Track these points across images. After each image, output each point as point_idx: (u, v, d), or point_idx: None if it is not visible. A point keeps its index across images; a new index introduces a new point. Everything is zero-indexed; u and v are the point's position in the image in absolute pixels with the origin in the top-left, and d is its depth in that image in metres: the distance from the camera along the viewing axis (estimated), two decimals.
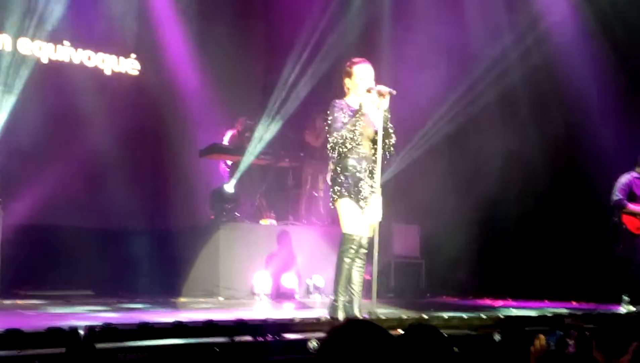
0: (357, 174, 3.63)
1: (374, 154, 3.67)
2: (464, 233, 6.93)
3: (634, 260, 5.28)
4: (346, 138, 3.58)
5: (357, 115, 3.60)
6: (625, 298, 5.19)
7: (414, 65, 6.85)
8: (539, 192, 6.98)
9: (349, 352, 1.34)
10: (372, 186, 3.65)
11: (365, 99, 3.68)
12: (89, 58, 7.05)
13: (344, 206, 3.63)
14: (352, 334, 1.36)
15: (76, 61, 6.92)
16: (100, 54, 7.10)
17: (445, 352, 1.59)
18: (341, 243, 3.64)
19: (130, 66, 7.24)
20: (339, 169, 3.67)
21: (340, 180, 3.64)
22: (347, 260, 3.60)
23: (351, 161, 3.64)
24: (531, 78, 6.94)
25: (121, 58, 7.21)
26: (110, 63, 7.14)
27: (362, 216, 3.63)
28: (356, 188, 3.62)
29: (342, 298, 3.63)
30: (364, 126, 3.65)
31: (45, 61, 6.72)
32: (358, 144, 3.63)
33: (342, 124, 3.59)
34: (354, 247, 3.60)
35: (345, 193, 3.62)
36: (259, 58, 8.13)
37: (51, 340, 2.39)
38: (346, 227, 3.62)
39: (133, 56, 7.23)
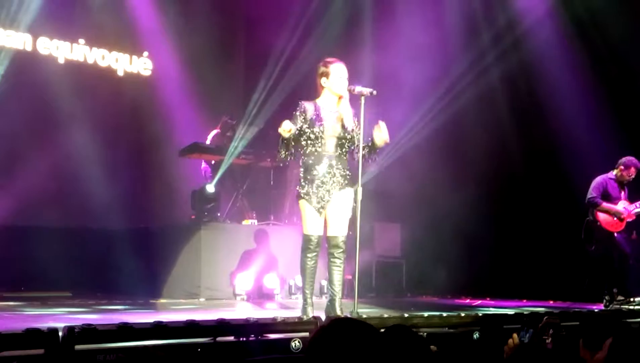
0: (317, 174, 3.67)
1: (340, 152, 3.71)
2: (444, 233, 7.01)
3: (615, 257, 5.37)
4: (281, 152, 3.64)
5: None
6: (607, 297, 5.27)
7: (394, 64, 6.91)
8: (518, 193, 7.09)
9: (337, 349, 1.35)
10: (339, 184, 3.68)
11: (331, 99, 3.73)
12: (103, 57, 7.02)
13: (302, 207, 3.72)
14: (340, 332, 1.38)
15: (87, 60, 6.85)
16: (115, 53, 7.05)
17: (423, 352, 1.61)
18: (302, 243, 3.73)
19: (142, 65, 7.15)
20: (301, 169, 3.74)
21: (301, 180, 3.71)
22: (306, 260, 3.69)
23: (311, 161, 3.68)
24: (509, 80, 7.06)
25: (134, 57, 7.12)
26: (122, 63, 7.08)
27: (320, 217, 3.69)
28: (315, 189, 3.67)
29: (309, 297, 3.68)
30: (330, 125, 3.69)
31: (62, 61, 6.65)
32: (317, 144, 3.66)
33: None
34: (311, 247, 3.68)
35: (304, 194, 3.68)
36: (240, 56, 8.11)
37: (30, 341, 2.36)
38: (304, 228, 3.72)
39: (145, 54, 7.16)
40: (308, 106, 3.72)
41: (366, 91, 3.71)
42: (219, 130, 6.91)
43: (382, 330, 1.65)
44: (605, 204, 5.41)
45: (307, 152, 3.69)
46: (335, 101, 3.75)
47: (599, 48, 6.49)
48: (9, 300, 5.25)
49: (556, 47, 6.75)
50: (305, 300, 3.68)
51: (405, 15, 7.23)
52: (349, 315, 3.56)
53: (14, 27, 6.46)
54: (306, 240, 3.69)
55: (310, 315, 3.54)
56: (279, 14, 7.22)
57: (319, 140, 3.66)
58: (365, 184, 3.81)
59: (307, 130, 3.67)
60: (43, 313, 4.36)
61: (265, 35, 7.31)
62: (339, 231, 3.70)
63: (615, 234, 5.41)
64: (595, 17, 6.44)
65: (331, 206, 3.71)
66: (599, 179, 5.49)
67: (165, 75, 7.23)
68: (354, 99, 3.75)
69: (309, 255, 3.67)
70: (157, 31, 7.23)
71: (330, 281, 3.71)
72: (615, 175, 5.47)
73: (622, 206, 5.43)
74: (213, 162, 6.73)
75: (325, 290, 6.03)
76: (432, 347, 3.16)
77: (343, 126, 3.70)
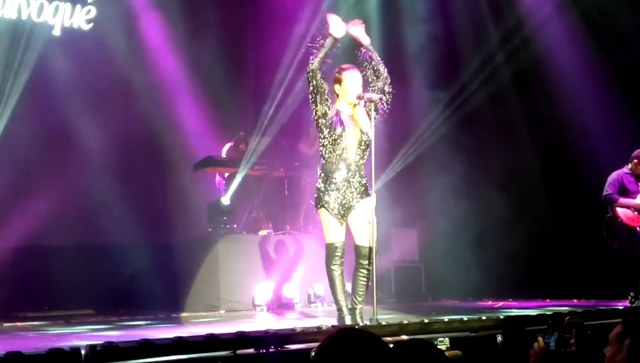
0: (336, 181, 3.65)
1: (360, 160, 3.70)
2: (461, 235, 6.95)
3: (637, 252, 5.28)
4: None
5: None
6: (632, 294, 5.18)
7: (405, 68, 6.90)
8: (537, 191, 7.01)
9: (343, 360, 1.34)
10: (358, 192, 3.67)
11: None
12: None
13: (323, 215, 3.67)
14: (346, 343, 1.37)
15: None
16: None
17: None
18: (326, 253, 3.68)
19: (84, 17, 6.63)
20: (321, 177, 3.70)
21: (320, 188, 3.67)
22: (334, 268, 3.64)
23: (332, 168, 3.66)
24: (520, 79, 7.00)
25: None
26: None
27: (342, 226, 3.66)
28: (335, 197, 3.64)
29: (344, 306, 3.65)
30: (350, 131, 3.68)
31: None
32: (338, 149, 3.64)
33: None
34: (338, 254, 3.64)
35: (324, 203, 3.64)
36: (250, 67, 8.15)
37: (53, 361, 2.39)
38: (327, 237, 3.67)
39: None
40: (331, 107, 3.71)
41: (375, 97, 3.71)
42: (232, 143, 6.96)
43: (400, 342, 1.63)
44: (623, 200, 5.33)
45: (328, 158, 3.66)
46: (350, 108, 3.75)
47: (609, 41, 6.41)
48: (34, 319, 5.32)
49: (566, 43, 6.69)
50: (340, 309, 3.64)
51: (412, 18, 7.23)
52: (368, 323, 3.54)
53: None
54: (331, 248, 3.64)
55: (348, 324, 3.52)
56: (288, 23, 7.27)
57: (340, 145, 3.64)
58: (380, 190, 3.80)
59: (327, 134, 3.64)
60: (66, 331, 4.41)
61: (275, 45, 7.36)
62: (367, 241, 3.65)
63: (638, 228, 5.33)
64: (604, 10, 6.37)
65: (355, 216, 3.68)
66: (613, 175, 5.43)
67: (176, 89, 7.29)
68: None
69: (335, 264, 3.63)
70: (168, 46, 7.30)
71: (353, 290, 3.70)
72: (630, 169, 5.40)
73: None
74: (227, 175, 6.77)
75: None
76: (457, 351, 3.13)
77: (361, 131, 3.70)
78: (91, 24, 6.78)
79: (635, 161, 5.34)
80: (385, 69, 3.77)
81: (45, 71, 6.43)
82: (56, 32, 6.58)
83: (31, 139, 6.25)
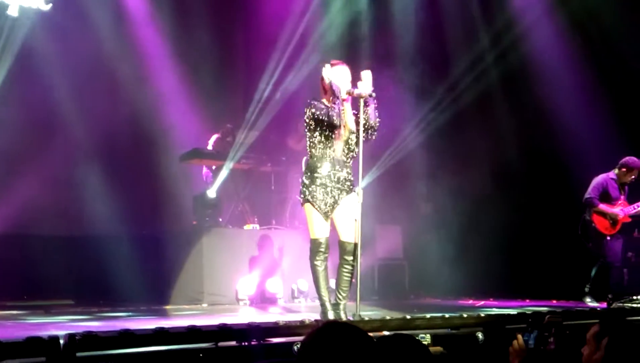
0: (321, 177, 3.65)
1: (347, 156, 3.70)
2: (445, 234, 7.00)
3: (601, 260, 5.37)
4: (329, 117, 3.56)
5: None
6: (610, 296, 5.26)
7: (394, 67, 6.92)
8: (520, 192, 7.09)
9: (328, 353, 1.35)
10: (344, 188, 3.67)
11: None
12: None
13: (308, 211, 3.68)
14: (331, 336, 1.37)
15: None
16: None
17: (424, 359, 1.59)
18: (310, 248, 3.69)
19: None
20: (307, 172, 3.70)
21: (306, 184, 3.67)
22: (317, 263, 3.65)
23: (318, 164, 3.66)
24: (508, 80, 7.06)
25: None
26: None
27: (326, 221, 3.67)
28: (320, 193, 3.64)
29: (327, 301, 3.66)
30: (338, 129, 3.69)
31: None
32: (325, 147, 3.65)
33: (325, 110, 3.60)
34: (322, 250, 3.65)
35: (310, 198, 3.65)
36: (240, 60, 8.11)
37: (31, 350, 2.36)
38: (312, 232, 3.68)
39: None
40: (320, 104, 3.70)
41: (365, 93, 3.72)
42: (219, 135, 6.92)
43: (384, 337, 1.64)
44: (602, 206, 5.37)
45: (314, 154, 3.66)
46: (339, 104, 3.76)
47: (596, 44, 6.49)
48: (12, 309, 5.24)
49: (555, 46, 6.76)
50: (323, 304, 3.66)
51: (403, 18, 7.25)
52: (351, 318, 3.55)
53: None
54: (316, 244, 3.65)
55: (331, 319, 3.53)
56: (279, 18, 7.24)
57: (327, 142, 3.64)
58: (365, 187, 3.80)
59: (315, 131, 3.64)
60: (45, 321, 4.36)
61: (265, 38, 7.33)
62: (352, 237, 3.67)
63: (608, 237, 5.37)
64: (591, 12, 6.45)
65: (340, 212, 3.69)
66: (599, 178, 5.44)
67: (164, 80, 7.23)
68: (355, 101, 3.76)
69: (319, 259, 3.64)
70: (155, 37, 7.23)
71: (337, 286, 3.71)
72: (617, 175, 5.42)
73: (619, 207, 5.39)
74: (214, 167, 6.74)
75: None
76: (438, 348, 3.16)
77: (349, 129, 3.70)
78: (50, 5, 6.45)
79: (623, 169, 5.35)
80: (377, 122, 3.70)
81: (27, 57, 6.32)
82: (12, 12, 6.27)
83: (13, 127, 6.15)
